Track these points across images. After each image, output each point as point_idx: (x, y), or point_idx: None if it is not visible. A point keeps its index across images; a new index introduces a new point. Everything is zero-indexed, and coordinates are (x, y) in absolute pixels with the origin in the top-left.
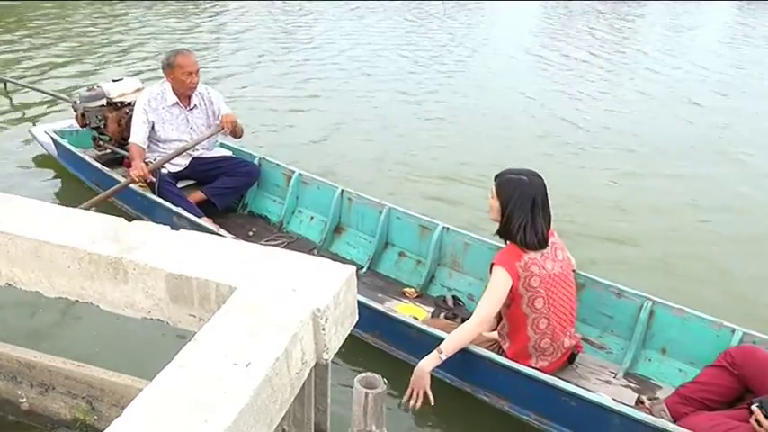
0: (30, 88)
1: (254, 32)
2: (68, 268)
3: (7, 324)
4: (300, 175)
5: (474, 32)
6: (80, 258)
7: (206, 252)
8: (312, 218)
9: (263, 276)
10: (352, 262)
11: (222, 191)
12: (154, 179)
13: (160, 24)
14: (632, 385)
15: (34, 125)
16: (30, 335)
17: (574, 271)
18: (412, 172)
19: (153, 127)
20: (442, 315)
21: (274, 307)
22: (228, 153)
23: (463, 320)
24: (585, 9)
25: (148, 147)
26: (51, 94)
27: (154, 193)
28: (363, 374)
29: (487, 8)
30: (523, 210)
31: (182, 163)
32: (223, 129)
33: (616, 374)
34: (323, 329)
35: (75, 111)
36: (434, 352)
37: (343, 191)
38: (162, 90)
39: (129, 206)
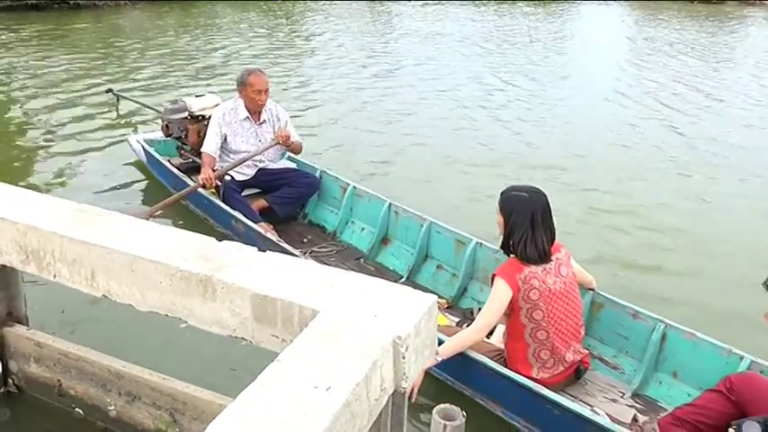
0: (132, 101)
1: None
2: (160, 284)
3: (101, 333)
4: (354, 188)
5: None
6: (172, 275)
7: (291, 274)
8: (363, 229)
9: (346, 301)
10: (394, 272)
11: (283, 200)
12: (219, 184)
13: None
14: (637, 406)
15: (136, 132)
16: (120, 345)
17: (592, 290)
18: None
19: (225, 139)
20: (465, 326)
21: (356, 332)
22: (293, 165)
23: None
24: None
25: (220, 156)
26: (145, 106)
27: (220, 199)
28: (442, 406)
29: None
30: (523, 225)
31: (248, 173)
32: (278, 142)
33: (624, 394)
34: (403, 357)
35: (162, 122)
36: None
37: (390, 204)
38: (235, 105)
39: (197, 208)
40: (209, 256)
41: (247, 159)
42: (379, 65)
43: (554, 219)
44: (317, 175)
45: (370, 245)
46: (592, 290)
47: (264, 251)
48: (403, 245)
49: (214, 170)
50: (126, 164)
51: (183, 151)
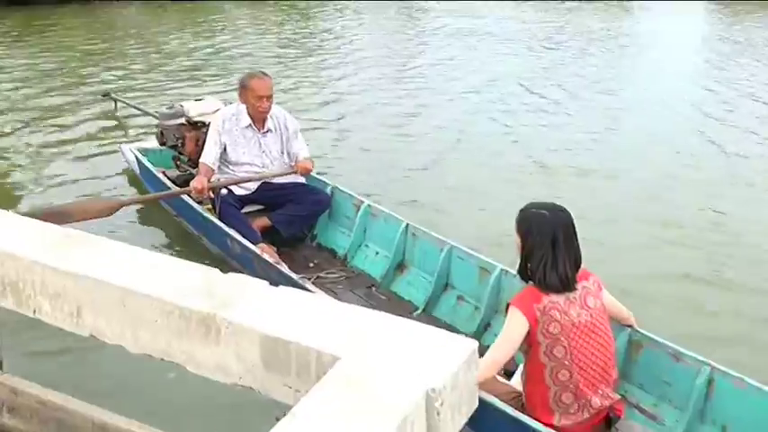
0: (131, 105)
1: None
2: (155, 322)
3: (85, 379)
4: (369, 206)
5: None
6: (169, 312)
7: (308, 313)
8: (377, 253)
9: (371, 346)
10: (409, 302)
11: (289, 218)
12: (212, 196)
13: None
14: None
15: (131, 141)
16: (108, 393)
17: (630, 327)
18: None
19: (225, 148)
20: None
21: (383, 383)
22: (300, 180)
23: (507, 373)
24: None
25: (219, 168)
26: (145, 112)
27: (216, 215)
28: None
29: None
30: (543, 247)
31: (249, 187)
32: (295, 172)
33: None
34: (438, 414)
35: (157, 129)
36: None
37: (408, 225)
38: (237, 111)
39: (190, 224)
40: (213, 290)
41: (249, 181)
42: (404, 65)
43: (577, 238)
44: (328, 191)
45: (384, 271)
46: (629, 326)
47: (277, 285)
48: (420, 272)
49: (209, 182)
50: (118, 174)
51: (179, 162)
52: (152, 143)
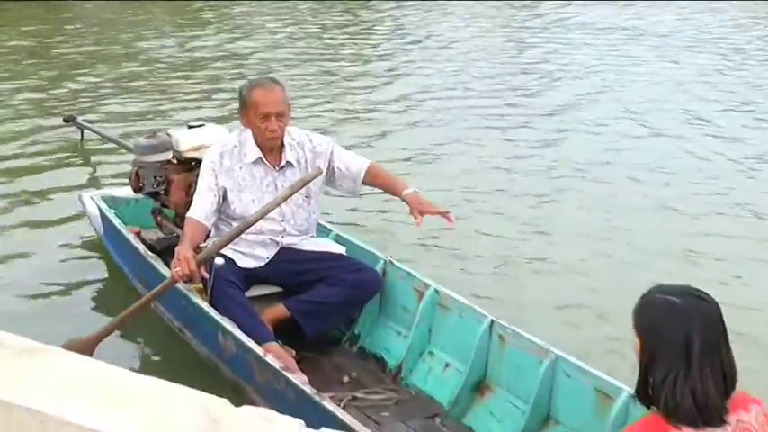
0: (101, 135)
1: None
2: None
3: None
4: (438, 293)
5: None
6: None
7: None
8: (447, 365)
9: None
10: None
11: (316, 307)
12: (206, 275)
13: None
14: None
15: (99, 186)
16: None
17: None
18: None
19: (225, 196)
20: None
21: None
22: (338, 248)
23: None
24: None
25: (215, 226)
26: (120, 143)
27: (207, 298)
28: None
29: None
30: (671, 355)
31: (260, 254)
32: (315, 175)
33: None
34: None
35: (132, 167)
36: None
37: (493, 323)
38: (240, 141)
39: (170, 315)
40: None
41: (254, 221)
42: (516, 70)
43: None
44: (380, 267)
45: (456, 393)
46: None
47: (318, 428)
48: (510, 396)
49: (199, 249)
50: (83, 239)
51: (161, 218)
52: (123, 190)
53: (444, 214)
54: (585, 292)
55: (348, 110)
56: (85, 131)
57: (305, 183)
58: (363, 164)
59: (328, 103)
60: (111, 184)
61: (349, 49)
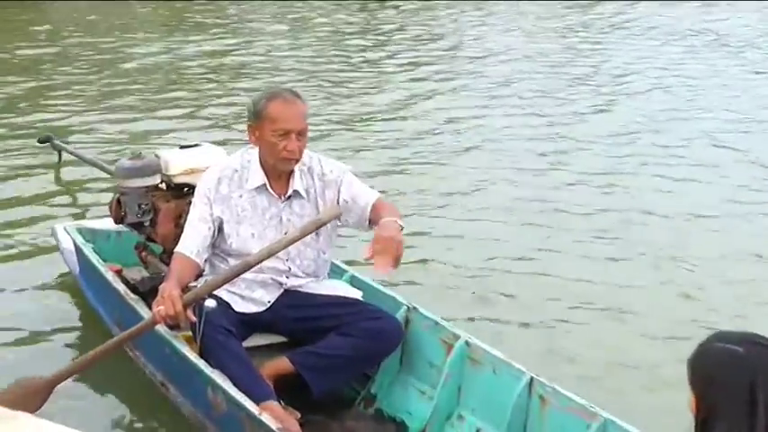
0: (80, 157)
1: None
2: None
3: None
4: (468, 345)
5: None
6: None
7: None
8: (479, 430)
9: None
10: None
11: (326, 361)
12: (193, 319)
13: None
14: None
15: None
16: None
17: None
18: None
19: (221, 228)
20: None
21: None
22: (354, 292)
23: None
24: None
25: (209, 263)
26: (101, 166)
27: (197, 347)
28: None
29: None
30: (732, 410)
31: (262, 299)
32: (324, 224)
33: None
34: None
35: (114, 195)
36: None
37: (532, 380)
38: (242, 164)
39: (152, 366)
40: None
41: (255, 263)
42: (562, 88)
43: None
44: (401, 315)
45: None
46: None
47: None
48: None
49: (185, 289)
50: (57, 278)
51: (146, 253)
52: (103, 221)
53: (384, 268)
54: (636, 346)
55: (367, 131)
56: (63, 153)
57: (318, 225)
58: (371, 197)
59: (346, 125)
60: (95, 216)
61: (365, 57)
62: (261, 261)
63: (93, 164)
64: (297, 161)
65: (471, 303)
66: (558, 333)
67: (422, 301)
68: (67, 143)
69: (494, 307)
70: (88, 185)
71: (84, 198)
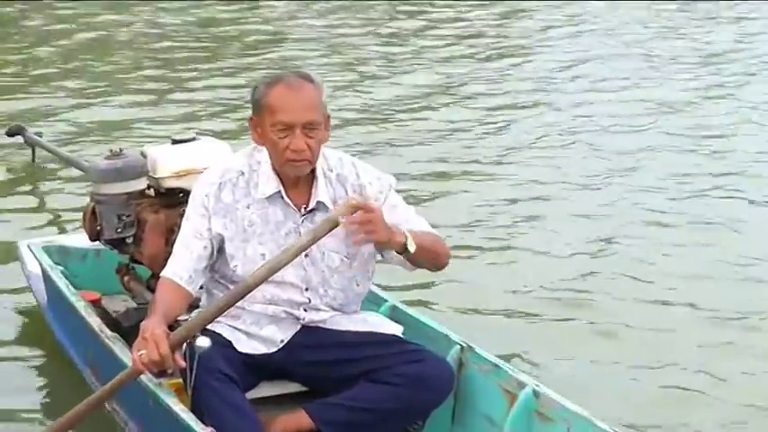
0: (56, 154)
1: None
2: None
3: None
4: (536, 395)
5: None
6: None
7: None
8: None
9: None
10: None
11: (356, 416)
12: (182, 363)
13: None
14: None
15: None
16: None
17: None
18: None
19: (222, 246)
20: None
21: None
22: (394, 329)
23: None
24: None
25: (207, 292)
26: (80, 167)
27: (189, 399)
28: None
29: None
30: None
31: (274, 337)
32: (338, 224)
33: None
34: None
35: (88, 205)
36: None
37: None
38: (250, 166)
39: (133, 423)
40: None
41: (255, 285)
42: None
43: None
44: (453, 357)
45: None
46: None
47: None
48: None
49: (175, 324)
50: (20, 308)
51: (129, 278)
52: (76, 237)
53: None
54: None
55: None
56: (37, 149)
57: (331, 226)
58: (421, 227)
59: (372, 113)
60: (75, 229)
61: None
62: (262, 281)
63: (73, 163)
64: (309, 163)
65: (542, 341)
66: (645, 381)
67: (479, 337)
68: (40, 136)
69: (573, 345)
70: (66, 189)
71: (60, 205)
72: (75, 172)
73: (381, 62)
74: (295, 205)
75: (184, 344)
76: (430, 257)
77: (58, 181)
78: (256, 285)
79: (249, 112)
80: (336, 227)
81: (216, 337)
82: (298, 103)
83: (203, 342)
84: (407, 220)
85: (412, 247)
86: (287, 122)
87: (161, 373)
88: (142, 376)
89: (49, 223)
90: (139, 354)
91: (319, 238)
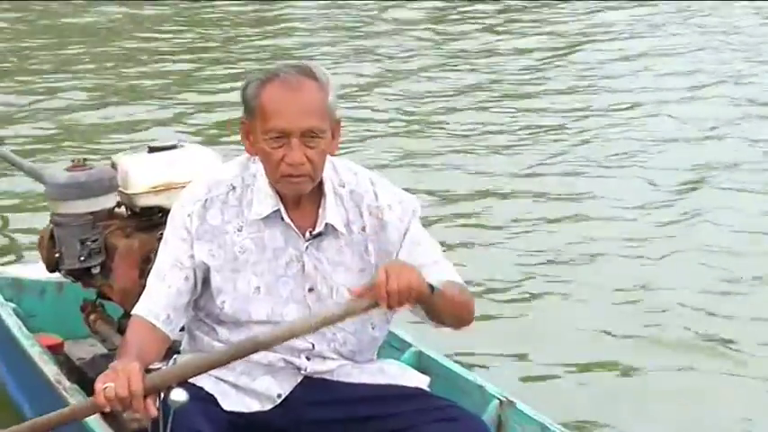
0: (15, 164)
1: None
2: None
3: None
4: None
5: None
6: None
7: None
8: None
9: None
10: None
11: None
12: (154, 413)
13: None
14: None
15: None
16: None
17: None
18: None
19: (207, 279)
20: None
21: None
22: (420, 381)
23: None
24: None
25: (189, 334)
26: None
27: None
28: None
29: None
30: None
31: (269, 391)
32: (378, 305)
33: None
34: None
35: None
36: None
37: None
38: (242, 180)
39: None
40: None
41: (265, 346)
42: None
43: None
44: (491, 413)
45: None
46: None
47: None
48: None
49: (151, 369)
50: None
51: (95, 317)
52: (32, 267)
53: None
54: None
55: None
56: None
57: (367, 308)
58: (443, 272)
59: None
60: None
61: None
62: (279, 342)
63: (36, 176)
64: (310, 179)
65: (598, 397)
66: None
67: (521, 391)
68: (2, 144)
69: (634, 405)
70: (25, 207)
71: (15, 227)
72: (38, 187)
73: (406, 54)
74: (298, 228)
75: (157, 395)
76: (453, 314)
77: (16, 198)
78: (267, 347)
79: (236, 117)
80: (367, 311)
81: (195, 391)
82: (295, 105)
83: (179, 396)
84: (436, 262)
85: (439, 301)
86: (281, 130)
87: (121, 411)
88: (94, 424)
89: (2, 251)
90: (105, 386)
91: (356, 316)
